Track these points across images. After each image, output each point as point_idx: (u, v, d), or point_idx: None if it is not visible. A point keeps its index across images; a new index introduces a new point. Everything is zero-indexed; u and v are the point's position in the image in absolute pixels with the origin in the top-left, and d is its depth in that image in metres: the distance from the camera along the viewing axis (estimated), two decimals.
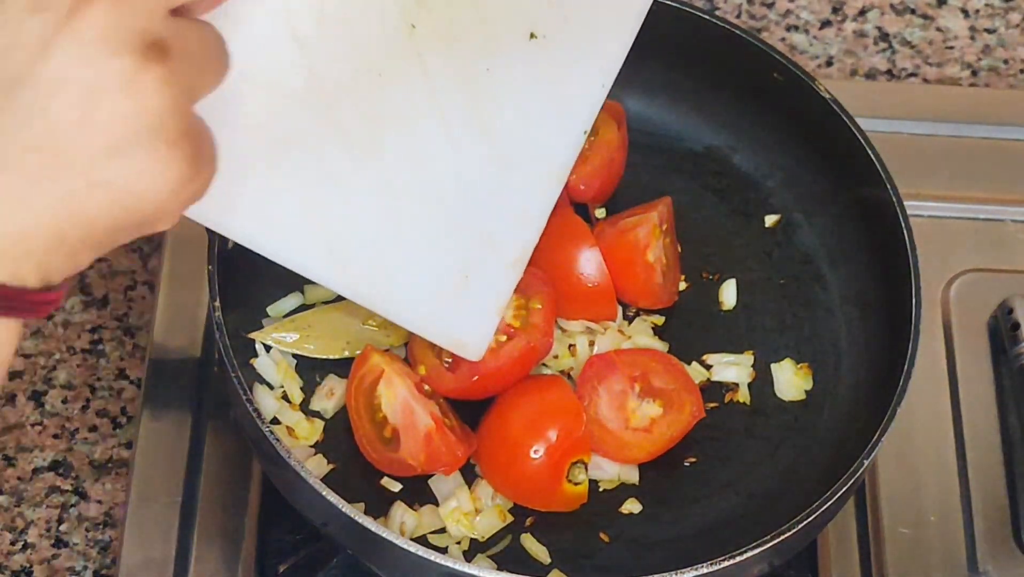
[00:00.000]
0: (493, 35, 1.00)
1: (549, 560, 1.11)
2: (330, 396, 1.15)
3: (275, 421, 1.14)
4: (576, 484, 1.12)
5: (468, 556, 1.11)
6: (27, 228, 0.71)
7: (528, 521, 1.13)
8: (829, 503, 1.05)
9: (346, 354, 1.17)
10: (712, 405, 1.18)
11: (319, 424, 1.15)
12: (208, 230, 1.11)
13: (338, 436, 1.14)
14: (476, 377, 1.12)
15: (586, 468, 1.12)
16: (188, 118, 0.73)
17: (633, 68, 1.28)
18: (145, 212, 0.73)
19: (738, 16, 1.45)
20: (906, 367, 1.10)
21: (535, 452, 1.11)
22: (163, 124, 0.72)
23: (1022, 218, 1.33)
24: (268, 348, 1.17)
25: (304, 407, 1.15)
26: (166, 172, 0.72)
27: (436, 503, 1.12)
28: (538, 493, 1.12)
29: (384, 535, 1.02)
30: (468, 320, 1.07)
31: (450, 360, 1.13)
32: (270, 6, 0.88)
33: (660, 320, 1.22)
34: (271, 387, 1.15)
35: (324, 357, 1.17)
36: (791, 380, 1.19)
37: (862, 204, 1.21)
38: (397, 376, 1.11)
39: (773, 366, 1.20)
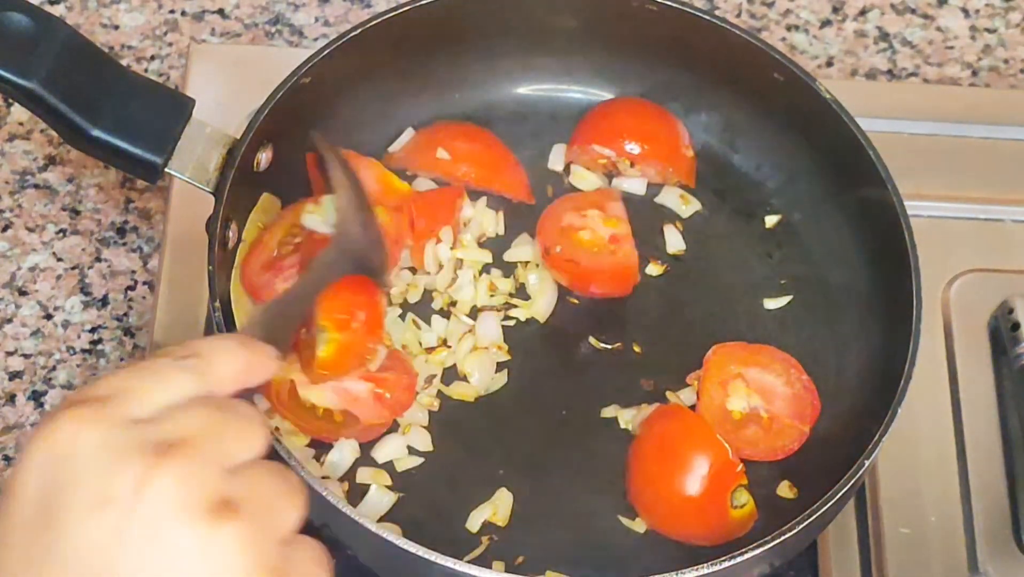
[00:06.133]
0: None
1: None
2: None
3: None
4: (740, 507, 1.12)
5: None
6: None
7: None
8: (829, 503, 1.05)
9: None
10: None
11: None
12: (208, 230, 1.12)
13: None
14: None
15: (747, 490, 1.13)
16: (272, 555, 0.73)
17: (633, 68, 1.29)
18: None
19: (738, 16, 1.45)
20: (906, 367, 1.10)
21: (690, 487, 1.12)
22: (249, 571, 0.71)
23: (1022, 218, 1.33)
24: None
25: None
26: None
27: None
28: (705, 527, 1.13)
29: (384, 536, 1.02)
30: None
31: None
32: None
33: None
34: None
35: None
36: None
37: (862, 204, 1.21)
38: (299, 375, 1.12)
39: None
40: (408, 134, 1.27)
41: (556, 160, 1.28)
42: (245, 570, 0.71)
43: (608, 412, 1.18)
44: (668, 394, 1.18)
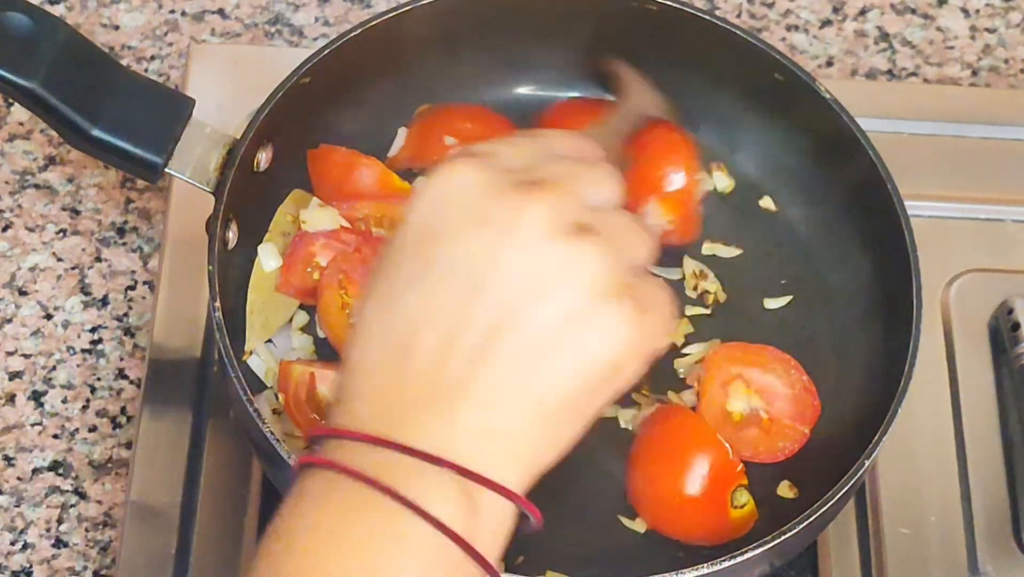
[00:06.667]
0: None
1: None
2: None
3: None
4: (740, 507, 1.12)
5: None
6: (513, 418, 0.82)
7: None
8: (829, 503, 1.05)
9: None
10: None
11: None
12: (208, 230, 1.12)
13: None
14: None
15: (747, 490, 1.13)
16: (622, 277, 0.83)
17: (633, 68, 1.29)
18: (609, 368, 0.83)
19: (738, 16, 1.45)
20: (906, 367, 1.10)
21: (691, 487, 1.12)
22: (600, 285, 0.82)
23: (1022, 218, 1.33)
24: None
25: None
26: (613, 327, 0.82)
27: None
28: (705, 527, 1.13)
29: None
30: None
31: None
32: None
33: None
34: (267, 386, 1.16)
35: None
36: None
37: (862, 204, 1.21)
38: (327, 369, 1.12)
39: None
40: (401, 135, 1.27)
41: None
42: (598, 276, 0.82)
43: (608, 412, 1.18)
44: (669, 394, 1.18)
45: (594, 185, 0.86)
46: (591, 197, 0.85)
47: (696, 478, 1.12)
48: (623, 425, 1.17)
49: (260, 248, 1.18)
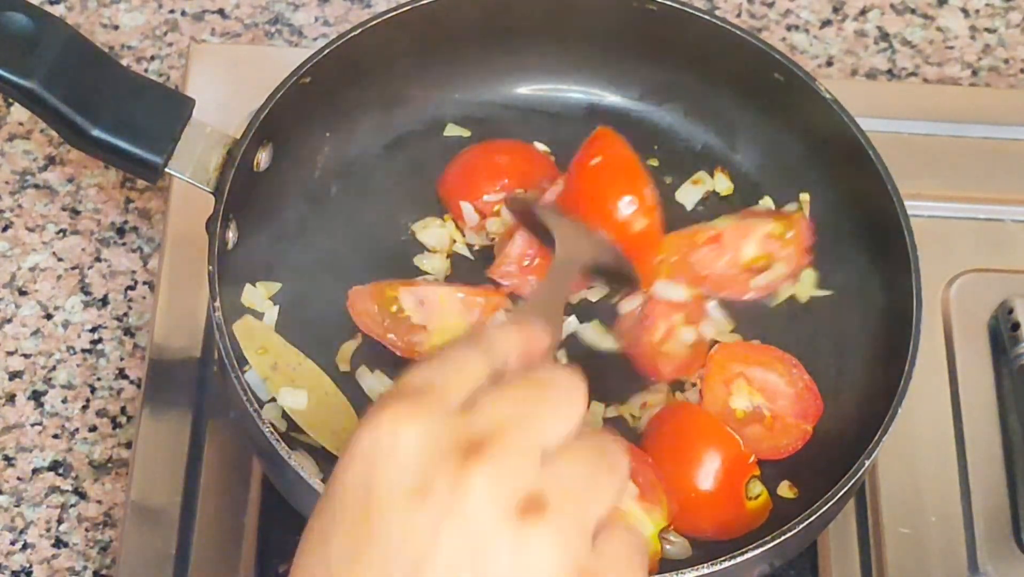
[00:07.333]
0: None
1: None
2: None
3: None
4: (755, 498, 1.12)
5: None
6: None
7: None
8: (829, 503, 1.05)
9: None
10: None
11: None
12: (208, 230, 1.12)
13: None
14: None
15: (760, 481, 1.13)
16: (582, 555, 0.75)
17: (633, 68, 1.29)
18: None
19: (738, 16, 1.45)
20: (906, 367, 1.10)
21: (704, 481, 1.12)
22: (557, 574, 0.73)
23: (1022, 218, 1.33)
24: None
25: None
26: None
27: None
28: (721, 522, 1.13)
29: None
30: None
31: None
32: None
33: None
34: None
35: None
36: None
37: (862, 204, 1.21)
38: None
39: None
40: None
41: None
42: (550, 570, 0.73)
43: (610, 412, 1.18)
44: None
45: (550, 420, 0.77)
46: (547, 436, 0.76)
47: (709, 472, 1.12)
48: (631, 423, 1.17)
49: (279, 397, 1.14)
